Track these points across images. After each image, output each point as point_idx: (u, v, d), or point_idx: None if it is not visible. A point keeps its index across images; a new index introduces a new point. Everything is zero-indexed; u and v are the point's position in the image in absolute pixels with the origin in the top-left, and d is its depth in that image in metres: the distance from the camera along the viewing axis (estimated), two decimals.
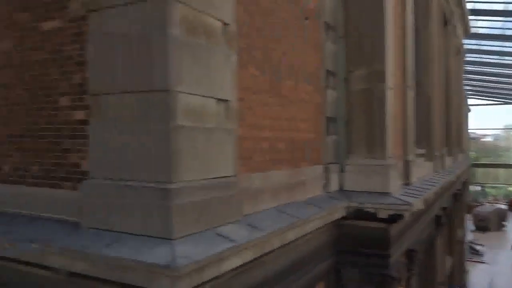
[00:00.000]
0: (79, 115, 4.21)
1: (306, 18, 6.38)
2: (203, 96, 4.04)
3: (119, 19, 3.89)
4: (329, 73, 7.24)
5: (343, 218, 6.70)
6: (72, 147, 4.27)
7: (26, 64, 4.61)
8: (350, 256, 6.80)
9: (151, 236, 3.63)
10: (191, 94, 3.87)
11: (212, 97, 4.17)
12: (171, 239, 3.53)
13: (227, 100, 4.38)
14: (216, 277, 3.69)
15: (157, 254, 3.40)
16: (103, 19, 3.97)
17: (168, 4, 3.65)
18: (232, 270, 3.92)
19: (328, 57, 7.20)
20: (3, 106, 4.80)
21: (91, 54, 4.06)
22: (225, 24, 4.37)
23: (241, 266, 4.04)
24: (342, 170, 7.33)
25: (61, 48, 4.31)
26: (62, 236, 4.03)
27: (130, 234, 3.75)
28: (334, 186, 7.13)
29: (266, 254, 4.53)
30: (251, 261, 4.22)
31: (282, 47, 5.67)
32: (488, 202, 51.14)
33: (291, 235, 5.02)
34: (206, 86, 4.07)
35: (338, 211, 6.51)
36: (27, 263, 4.09)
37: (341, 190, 7.26)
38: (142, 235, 3.69)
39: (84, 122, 4.17)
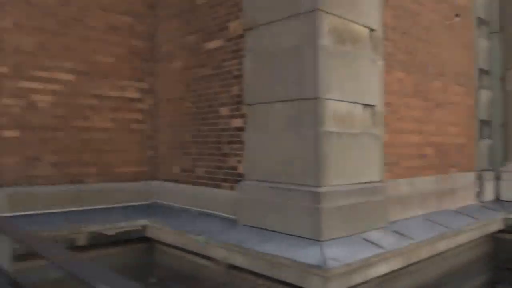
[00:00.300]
0: (237, 123, 4.68)
1: (456, 15, 6.00)
2: (350, 102, 4.13)
3: (272, 34, 4.22)
4: (482, 72, 6.67)
5: (501, 231, 6.08)
6: (230, 152, 4.76)
7: (193, 79, 5.30)
8: (509, 274, 6.14)
9: (301, 237, 3.84)
10: (338, 100, 3.99)
11: (358, 103, 4.24)
12: (320, 241, 3.69)
13: (373, 105, 4.41)
14: (363, 282, 3.71)
15: (308, 254, 3.58)
16: (258, 36, 4.36)
17: (319, 17, 3.84)
18: (379, 277, 3.89)
19: (481, 54, 6.64)
20: (176, 116, 5.58)
21: (247, 67, 4.49)
22: (371, 30, 4.41)
23: (388, 273, 3.99)
24: (498, 178, 6.67)
25: (221, 64, 4.86)
26: (222, 231, 4.50)
27: (280, 233, 4.02)
28: (488, 195, 6.53)
29: (414, 263, 4.40)
30: (398, 270, 4.14)
31: (429, 48, 5.45)
32: None
33: (441, 246, 4.77)
34: (352, 93, 4.15)
35: (494, 223, 5.94)
36: (193, 253, 4.67)
37: (498, 200, 6.61)
38: (292, 235, 3.92)
39: (241, 129, 4.61)
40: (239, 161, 4.63)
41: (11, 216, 4.57)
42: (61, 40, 5.08)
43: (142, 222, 5.28)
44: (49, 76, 4.99)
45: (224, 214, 4.76)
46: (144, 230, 5.27)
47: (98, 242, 4.79)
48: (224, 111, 4.84)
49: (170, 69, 5.65)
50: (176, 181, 5.56)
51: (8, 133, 4.72)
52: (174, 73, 5.59)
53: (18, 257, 1.92)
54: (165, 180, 5.74)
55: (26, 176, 4.85)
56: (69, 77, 5.15)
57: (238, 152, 4.65)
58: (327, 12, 3.90)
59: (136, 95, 5.72)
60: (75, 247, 4.59)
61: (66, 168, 5.14)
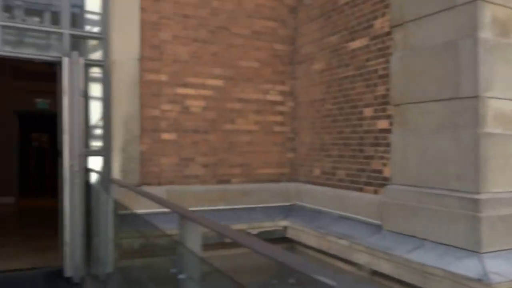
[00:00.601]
0: (382, 124, 4.49)
1: None
2: None
3: (423, 29, 3.97)
4: None
5: None
6: (374, 154, 4.60)
7: (335, 80, 5.25)
8: None
9: (455, 246, 3.53)
10: (501, 99, 3.60)
11: None
12: (479, 252, 3.35)
13: None
14: None
15: (465, 266, 3.29)
16: (407, 32, 4.14)
17: (479, 7, 3.50)
18: None
19: None
20: (316, 118, 5.61)
21: (394, 66, 4.29)
22: None
23: None
24: None
25: (365, 64, 4.72)
26: (365, 235, 4.38)
27: (431, 241, 3.75)
28: None
29: None
30: None
31: None
32: None
33: None
34: None
35: None
36: (334, 257, 4.63)
37: None
38: (444, 244, 3.62)
39: (386, 130, 4.42)
40: (384, 164, 4.45)
41: (165, 212, 5.07)
42: (210, 48, 5.48)
43: (283, 223, 5.42)
44: (200, 82, 5.42)
45: (366, 219, 4.61)
46: (284, 230, 5.40)
47: None
48: (368, 112, 4.70)
49: (311, 71, 5.69)
50: (316, 183, 5.57)
51: (167, 136, 5.24)
52: (315, 74, 5.61)
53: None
54: (305, 182, 5.78)
55: (181, 176, 5.33)
56: (218, 82, 5.52)
57: (383, 155, 4.47)
58: (488, 2, 3.54)
59: (277, 97, 5.90)
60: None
61: (215, 169, 5.52)
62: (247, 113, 5.70)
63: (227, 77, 5.58)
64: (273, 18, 5.87)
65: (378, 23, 4.55)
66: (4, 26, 4.56)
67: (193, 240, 1.95)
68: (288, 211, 5.67)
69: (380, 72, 4.51)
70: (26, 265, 4.61)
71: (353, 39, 4.90)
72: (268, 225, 5.23)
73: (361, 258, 4.26)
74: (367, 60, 4.68)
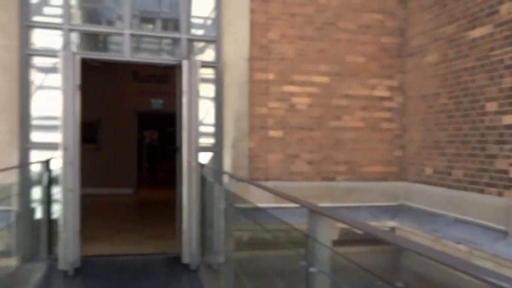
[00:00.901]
0: (509, 119, 4.07)
1: None
2: None
3: None
4: None
5: None
6: (499, 153, 4.19)
7: (451, 73, 4.88)
8: None
9: None
10: None
11: None
12: None
13: None
14: None
15: None
16: None
17: None
18: None
19: None
20: (429, 114, 5.28)
21: None
22: None
23: None
24: None
25: (488, 54, 4.32)
26: (488, 242, 4.03)
27: None
28: None
29: None
30: None
31: None
32: None
33: None
34: None
35: None
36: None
37: None
38: None
39: None
40: (511, 164, 4.03)
41: (273, 207, 5.16)
42: (316, 45, 5.46)
43: (390, 223, 5.21)
44: (306, 80, 5.43)
45: (488, 223, 4.23)
46: (392, 232, 5.18)
47: (348, 238, 4.93)
48: (491, 106, 4.29)
49: (423, 63, 5.35)
50: (427, 183, 5.22)
51: (274, 133, 5.34)
52: (427, 67, 5.27)
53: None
54: (415, 181, 5.47)
55: (286, 172, 5.40)
56: (323, 79, 5.48)
57: (510, 154, 4.04)
58: None
59: (385, 93, 5.67)
60: None
61: (320, 166, 5.49)
62: (353, 110, 5.57)
63: (333, 73, 5.51)
64: (381, 10, 5.66)
65: (504, 9, 4.12)
66: (132, 35, 5.04)
67: (324, 234, 1.98)
68: (395, 211, 5.43)
69: (507, 62, 4.09)
70: (149, 250, 5.04)
71: (473, 28, 4.51)
72: (374, 226, 5.05)
73: (483, 266, 3.93)
74: (491, 49, 4.27)
